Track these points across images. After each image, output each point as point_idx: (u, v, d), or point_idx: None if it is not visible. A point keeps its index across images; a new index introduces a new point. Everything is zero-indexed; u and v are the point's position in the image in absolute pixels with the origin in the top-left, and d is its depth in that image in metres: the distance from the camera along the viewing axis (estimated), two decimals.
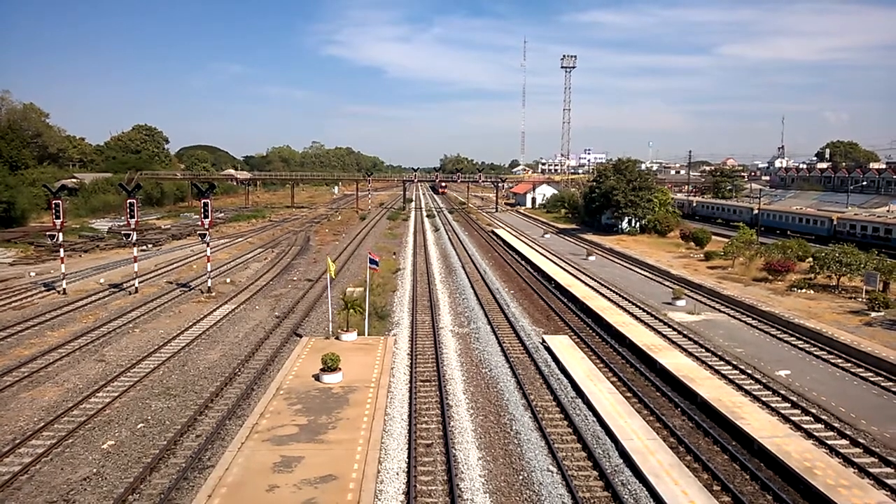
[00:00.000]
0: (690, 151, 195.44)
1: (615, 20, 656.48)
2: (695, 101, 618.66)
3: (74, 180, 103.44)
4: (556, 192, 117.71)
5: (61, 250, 42.01)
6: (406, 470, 16.53)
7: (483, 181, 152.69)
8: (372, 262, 29.59)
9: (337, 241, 68.56)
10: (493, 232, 76.96)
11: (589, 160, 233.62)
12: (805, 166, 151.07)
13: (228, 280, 44.15)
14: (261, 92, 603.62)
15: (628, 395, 22.09)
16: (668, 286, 40.86)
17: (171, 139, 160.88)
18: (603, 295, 38.24)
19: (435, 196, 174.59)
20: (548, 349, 27.27)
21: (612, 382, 22.90)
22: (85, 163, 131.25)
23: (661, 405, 21.35)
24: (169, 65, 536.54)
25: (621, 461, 17.07)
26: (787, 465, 16.22)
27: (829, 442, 18.16)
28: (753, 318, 32.68)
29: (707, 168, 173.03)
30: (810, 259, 43.05)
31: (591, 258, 54.21)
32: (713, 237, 58.51)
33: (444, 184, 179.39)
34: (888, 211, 74.16)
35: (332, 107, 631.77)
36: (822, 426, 19.47)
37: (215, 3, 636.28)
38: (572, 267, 49.91)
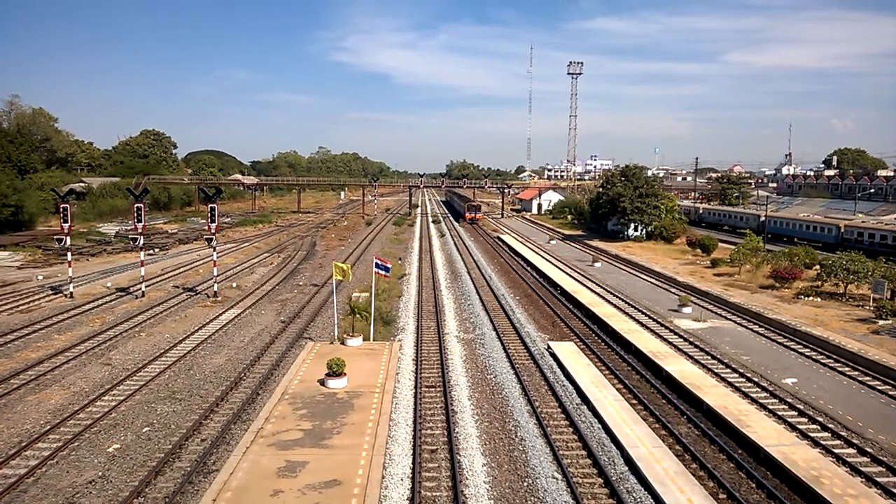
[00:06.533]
0: (697, 158, 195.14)
1: (621, 27, 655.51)
2: (701, 108, 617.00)
3: (82, 184, 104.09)
4: (562, 198, 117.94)
5: (69, 254, 42.20)
6: (411, 476, 16.52)
7: (489, 187, 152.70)
8: (379, 267, 29.59)
9: (343, 246, 68.66)
10: (498, 238, 76.95)
11: (595, 166, 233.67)
12: (812, 173, 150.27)
13: (234, 284, 44.27)
14: (267, 98, 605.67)
15: (634, 402, 22.02)
16: (674, 293, 40.73)
17: (178, 144, 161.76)
18: (609, 301, 38.16)
19: (448, 214, 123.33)
20: (553, 355, 27.21)
21: (617, 389, 22.85)
22: (93, 167, 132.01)
23: (666, 412, 21.26)
24: (176, 70, 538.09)
25: (626, 468, 17.00)
26: (793, 473, 16.11)
27: (836, 451, 18.05)
28: (760, 326, 32.54)
29: (714, 175, 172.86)
30: (817, 266, 42.92)
31: (597, 264, 54.11)
32: (720, 244, 58.31)
33: (476, 203, 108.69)
34: None
35: (338, 112, 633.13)
36: (829, 435, 19.36)
37: (222, 9, 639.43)
38: (578, 273, 49.84)
